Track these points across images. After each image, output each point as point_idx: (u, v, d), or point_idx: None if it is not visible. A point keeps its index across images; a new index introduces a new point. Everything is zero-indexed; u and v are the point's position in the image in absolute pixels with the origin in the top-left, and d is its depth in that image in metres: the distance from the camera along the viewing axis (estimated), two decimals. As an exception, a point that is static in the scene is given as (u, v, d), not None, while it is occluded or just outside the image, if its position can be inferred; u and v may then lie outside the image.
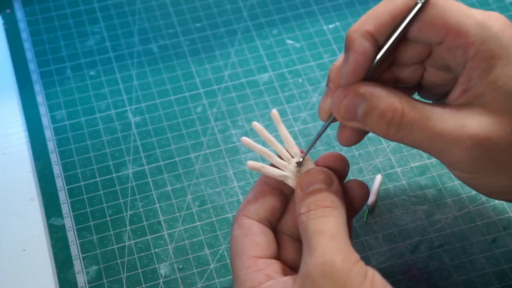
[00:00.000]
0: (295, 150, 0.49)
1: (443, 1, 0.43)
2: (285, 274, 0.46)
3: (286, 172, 0.48)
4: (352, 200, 0.48)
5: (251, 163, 0.48)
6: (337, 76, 0.46)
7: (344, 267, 0.41)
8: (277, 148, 0.49)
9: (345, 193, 0.48)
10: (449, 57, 0.45)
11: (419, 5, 0.43)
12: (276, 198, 0.48)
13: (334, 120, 0.47)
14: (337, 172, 0.48)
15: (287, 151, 0.49)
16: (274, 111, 0.49)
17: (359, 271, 0.42)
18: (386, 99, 0.44)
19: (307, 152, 0.49)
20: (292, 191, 0.48)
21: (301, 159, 0.48)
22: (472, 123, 0.43)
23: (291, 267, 0.47)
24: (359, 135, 0.48)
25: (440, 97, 0.49)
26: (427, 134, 0.43)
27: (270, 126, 0.63)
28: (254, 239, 0.46)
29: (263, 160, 0.59)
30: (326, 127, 0.48)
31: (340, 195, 0.46)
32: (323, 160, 0.49)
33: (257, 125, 0.49)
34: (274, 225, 0.49)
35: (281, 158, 0.49)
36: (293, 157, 0.49)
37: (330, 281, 0.41)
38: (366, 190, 0.49)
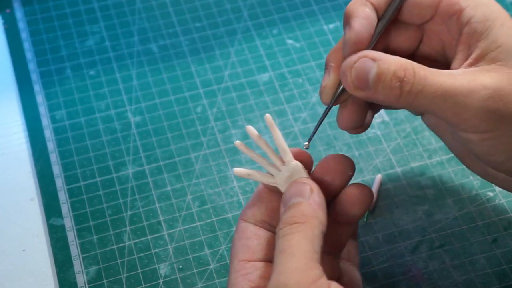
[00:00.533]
0: (289, 158, 0.46)
1: None
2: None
3: (277, 179, 0.46)
4: (353, 205, 0.47)
5: (237, 170, 0.47)
6: (338, 54, 0.46)
7: None
8: (270, 155, 0.47)
9: (345, 199, 0.47)
10: (443, 29, 0.46)
11: None
12: (276, 200, 0.47)
13: (336, 101, 0.47)
14: (339, 176, 0.47)
15: (281, 158, 0.47)
16: (268, 116, 0.47)
17: None
18: (396, 61, 0.43)
19: (309, 140, 0.48)
20: None
21: (308, 141, 0.48)
22: (483, 76, 0.43)
23: None
24: (360, 115, 0.48)
25: None
26: (439, 90, 0.43)
27: (270, 126, 0.63)
28: (245, 242, 0.46)
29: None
30: (330, 107, 0.47)
31: (320, 205, 0.44)
32: (322, 163, 0.47)
33: (251, 129, 0.47)
34: None
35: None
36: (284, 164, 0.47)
37: None
38: (367, 193, 0.47)
